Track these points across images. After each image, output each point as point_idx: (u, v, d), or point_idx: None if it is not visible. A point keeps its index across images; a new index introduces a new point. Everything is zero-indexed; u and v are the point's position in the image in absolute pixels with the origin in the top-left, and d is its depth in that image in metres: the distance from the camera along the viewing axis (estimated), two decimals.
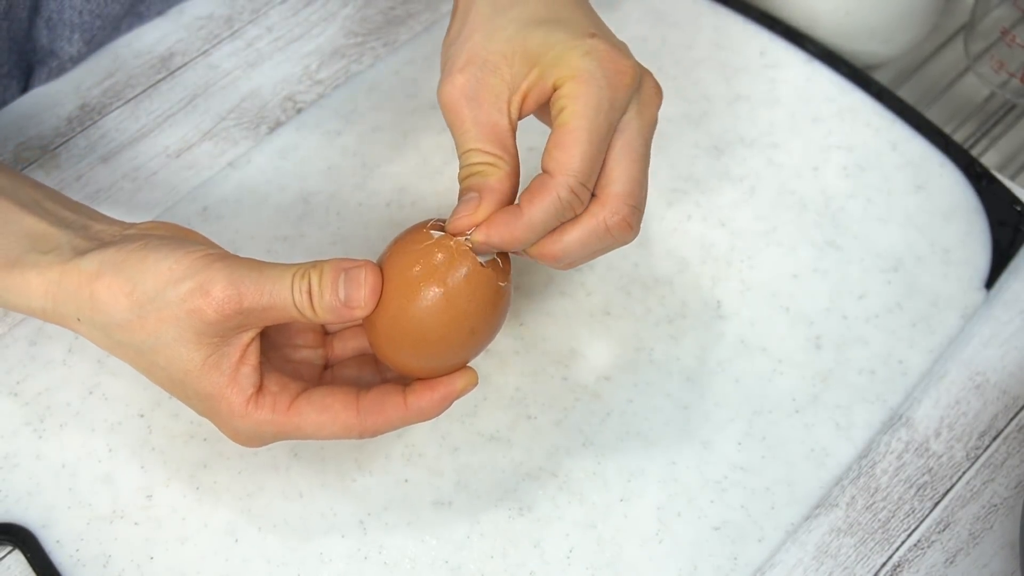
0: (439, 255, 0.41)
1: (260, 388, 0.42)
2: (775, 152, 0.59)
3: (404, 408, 0.42)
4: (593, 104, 0.41)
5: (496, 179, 0.42)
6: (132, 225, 0.45)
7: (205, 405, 0.43)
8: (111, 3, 0.59)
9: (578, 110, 0.41)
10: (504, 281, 0.42)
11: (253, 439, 0.43)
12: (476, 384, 0.43)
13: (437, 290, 0.41)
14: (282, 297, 0.41)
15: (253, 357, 0.42)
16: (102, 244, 0.43)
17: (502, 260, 0.42)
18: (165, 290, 0.41)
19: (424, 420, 0.43)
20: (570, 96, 0.41)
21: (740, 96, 0.60)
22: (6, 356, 0.51)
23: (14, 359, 0.51)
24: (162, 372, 0.42)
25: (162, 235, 0.43)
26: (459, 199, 0.42)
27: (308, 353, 0.46)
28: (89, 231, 0.44)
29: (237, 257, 0.42)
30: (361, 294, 0.41)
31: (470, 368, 0.43)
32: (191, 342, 0.41)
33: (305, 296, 0.41)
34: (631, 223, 0.42)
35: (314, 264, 0.41)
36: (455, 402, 0.43)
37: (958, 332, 0.54)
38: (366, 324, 0.43)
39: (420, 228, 0.42)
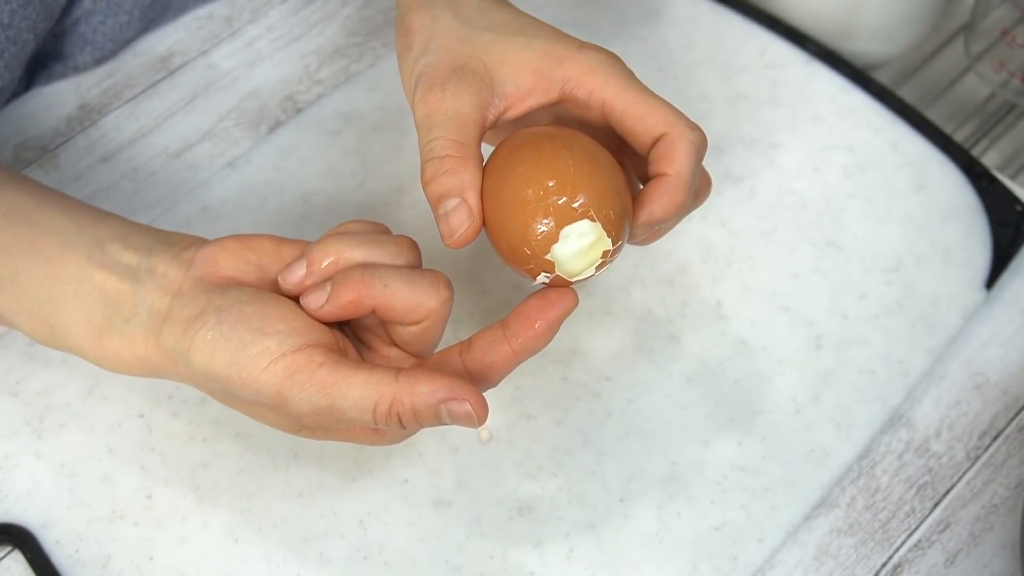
0: None
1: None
2: (775, 152, 0.58)
3: (512, 353, 0.41)
4: (628, 76, 0.43)
5: (471, 176, 0.41)
6: (186, 250, 0.43)
7: None
8: (127, 29, 0.60)
9: (622, 87, 0.42)
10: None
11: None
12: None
13: None
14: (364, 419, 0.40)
15: None
16: (173, 298, 0.41)
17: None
18: (250, 393, 0.40)
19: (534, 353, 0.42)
20: (607, 81, 0.43)
21: (740, 96, 0.60)
22: (6, 356, 0.51)
23: (14, 359, 0.51)
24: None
25: (222, 289, 0.42)
26: (437, 206, 0.41)
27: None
28: (155, 277, 0.42)
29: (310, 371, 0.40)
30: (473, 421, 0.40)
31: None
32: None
33: (395, 422, 0.40)
34: (693, 124, 0.42)
35: (401, 401, 0.39)
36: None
37: (958, 332, 0.54)
38: None
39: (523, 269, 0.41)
